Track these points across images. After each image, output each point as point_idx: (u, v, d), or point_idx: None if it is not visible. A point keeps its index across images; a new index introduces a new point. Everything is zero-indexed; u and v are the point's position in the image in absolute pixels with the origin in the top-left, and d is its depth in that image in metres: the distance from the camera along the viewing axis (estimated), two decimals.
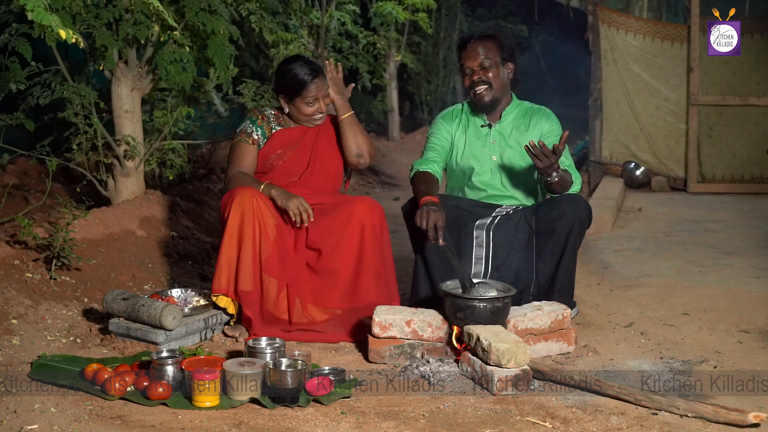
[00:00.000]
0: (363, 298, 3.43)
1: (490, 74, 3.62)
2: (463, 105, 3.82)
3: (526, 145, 3.37)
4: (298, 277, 3.45)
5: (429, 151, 3.73)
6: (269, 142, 3.65)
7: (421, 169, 3.63)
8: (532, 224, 3.55)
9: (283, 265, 3.42)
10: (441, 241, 3.26)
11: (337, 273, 3.45)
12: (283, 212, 3.47)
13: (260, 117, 3.70)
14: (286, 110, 3.68)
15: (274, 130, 3.68)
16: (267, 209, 3.41)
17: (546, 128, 3.68)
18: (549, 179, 3.41)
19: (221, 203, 3.46)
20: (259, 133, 3.65)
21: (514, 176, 3.68)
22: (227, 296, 3.39)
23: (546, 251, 3.49)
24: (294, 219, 3.41)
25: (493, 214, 3.63)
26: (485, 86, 3.62)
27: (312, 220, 3.43)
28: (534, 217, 3.55)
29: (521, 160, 3.67)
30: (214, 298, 3.41)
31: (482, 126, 3.72)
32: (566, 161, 3.58)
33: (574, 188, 3.57)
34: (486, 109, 3.69)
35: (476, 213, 3.62)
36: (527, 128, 3.69)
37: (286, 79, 3.60)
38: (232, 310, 3.42)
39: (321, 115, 3.67)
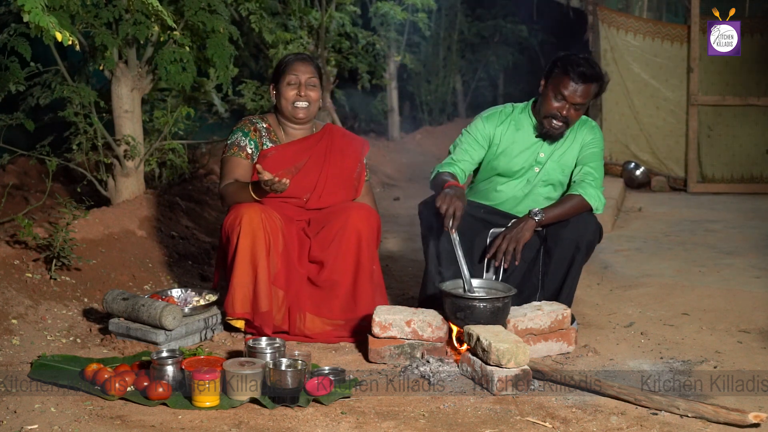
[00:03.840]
0: (361, 309, 3.40)
1: (575, 115, 3.47)
2: (513, 108, 3.65)
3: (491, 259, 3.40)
4: (300, 288, 3.44)
5: (456, 154, 3.59)
6: (263, 164, 3.46)
7: (441, 170, 3.52)
8: (542, 235, 3.49)
9: (288, 276, 3.40)
10: (453, 230, 3.20)
11: (338, 284, 3.42)
12: (287, 221, 3.43)
13: (252, 129, 3.57)
14: (274, 100, 3.59)
15: (265, 146, 3.55)
16: (275, 222, 3.36)
17: (588, 139, 3.58)
18: (537, 219, 3.39)
19: (226, 223, 3.36)
20: (252, 146, 3.54)
21: (545, 188, 3.60)
22: (245, 318, 3.36)
23: (552, 268, 3.44)
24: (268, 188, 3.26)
25: (509, 224, 3.54)
26: (563, 124, 3.48)
27: (287, 183, 3.25)
28: (544, 230, 3.48)
29: (560, 174, 3.58)
30: (228, 320, 3.39)
31: (536, 136, 3.57)
32: (591, 177, 3.51)
33: (598, 209, 3.48)
34: (548, 138, 3.56)
35: (491, 221, 3.56)
36: (573, 140, 3.59)
37: (276, 65, 3.62)
38: (242, 326, 3.41)
39: (304, 104, 3.53)
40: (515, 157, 3.58)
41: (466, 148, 3.60)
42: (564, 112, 3.45)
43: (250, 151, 3.53)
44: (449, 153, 3.65)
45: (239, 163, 3.52)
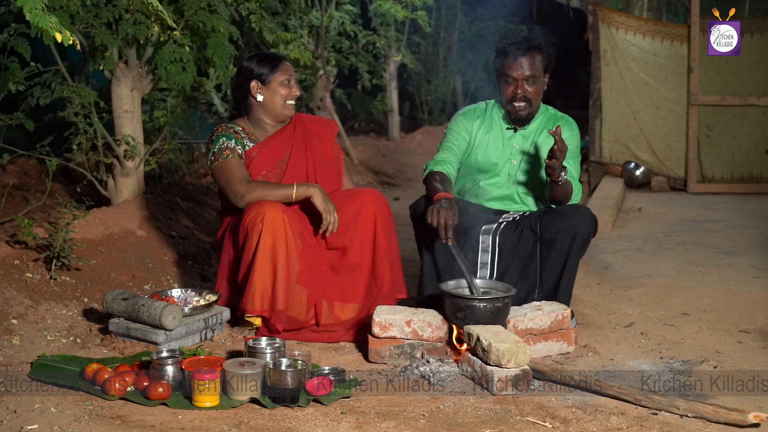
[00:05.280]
0: (380, 286, 3.50)
1: (532, 90, 3.54)
2: (487, 104, 3.74)
3: (551, 131, 3.32)
4: (324, 280, 3.46)
5: (444, 151, 3.67)
6: (252, 164, 3.53)
7: (434, 169, 3.57)
8: (537, 230, 3.51)
9: (311, 273, 3.42)
10: (450, 240, 3.24)
11: (359, 266, 3.49)
12: (309, 213, 3.46)
13: (232, 131, 3.57)
14: (260, 98, 3.56)
15: (247, 147, 3.56)
16: (295, 222, 3.38)
17: (566, 135, 3.61)
18: (558, 180, 3.38)
19: (247, 220, 3.34)
20: (240, 146, 3.54)
21: (530, 182, 3.63)
22: (261, 315, 3.36)
23: (549, 262, 3.46)
24: (324, 225, 3.38)
25: (500, 220, 3.60)
26: (525, 103, 3.55)
27: (335, 230, 3.41)
28: (539, 224, 3.51)
29: (540, 167, 3.61)
30: (247, 318, 3.39)
31: (507, 128, 3.66)
32: (573, 170, 3.56)
33: (574, 199, 3.55)
34: (516, 123, 3.63)
35: (483, 218, 3.59)
36: (548, 135, 3.63)
37: (255, 63, 3.58)
38: (259, 323, 3.42)
39: (292, 103, 3.61)
40: (490, 149, 3.64)
41: (452, 143, 3.69)
42: (520, 91, 3.54)
43: (240, 151, 3.54)
44: (437, 150, 3.72)
45: (238, 162, 3.51)
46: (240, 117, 3.69)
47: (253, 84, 3.58)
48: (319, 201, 3.38)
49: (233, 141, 3.54)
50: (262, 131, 3.64)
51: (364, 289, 3.49)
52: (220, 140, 3.55)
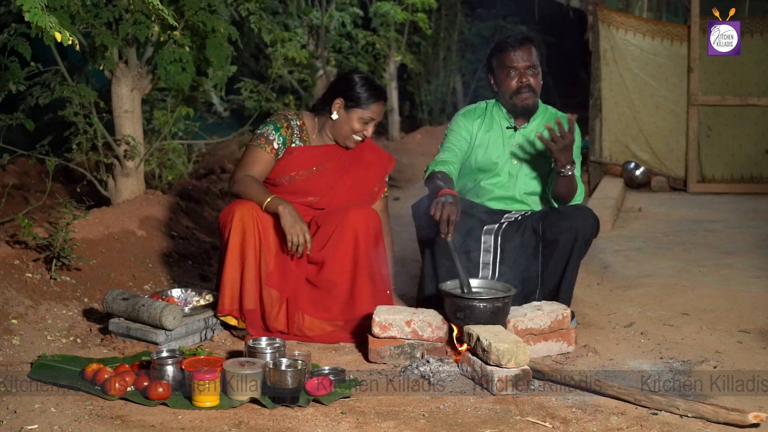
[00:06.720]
0: (360, 309, 3.39)
1: (534, 80, 3.57)
2: (487, 104, 3.74)
3: (548, 128, 3.34)
4: (298, 289, 3.43)
5: (445, 152, 3.66)
6: (286, 160, 3.50)
7: (436, 170, 3.56)
8: (539, 231, 3.51)
9: (284, 277, 3.40)
10: (450, 235, 3.22)
11: (336, 284, 3.40)
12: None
13: (285, 125, 3.51)
14: (334, 116, 3.49)
15: (294, 144, 3.52)
16: (268, 222, 3.36)
17: None
18: (563, 171, 3.38)
19: (221, 219, 3.38)
20: (280, 141, 3.49)
21: (531, 181, 3.63)
22: (232, 315, 3.37)
23: (551, 262, 3.46)
24: (290, 246, 3.31)
25: (502, 220, 3.60)
26: (530, 93, 3.56)
27: (309, 252, 3.35)
28: (541, 225, 3.50)
29: (543, 167, 3.61)
30: (221, 317, 3.40)
31: (507, 128, 3.66)
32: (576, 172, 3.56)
33: (577, 199, 3.55)
34: (523, 114, 3.63)
35: (485, 219, 3.58)
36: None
37: (356, 84, 3.47)
38: (235, 323, 3.41)
39: (358, 138, 3.53)
40: (490, 149, 3.64)
41: (453, 143, 3.68)
42: (524, 80, 3.56)
43: (276, 146, 3.49)
44: (438, 151, 3.71)
45: (262, 156, 3.47)
46: (317, 111, 3.60)
47: (338, 100, 3.50)
48: (284, 220, 3.30)
49: (277, 134, 3.49)
50: (319, 137, 3.58)
51: (339, 307, 3.41)
52: (267, 127, 3.52)
